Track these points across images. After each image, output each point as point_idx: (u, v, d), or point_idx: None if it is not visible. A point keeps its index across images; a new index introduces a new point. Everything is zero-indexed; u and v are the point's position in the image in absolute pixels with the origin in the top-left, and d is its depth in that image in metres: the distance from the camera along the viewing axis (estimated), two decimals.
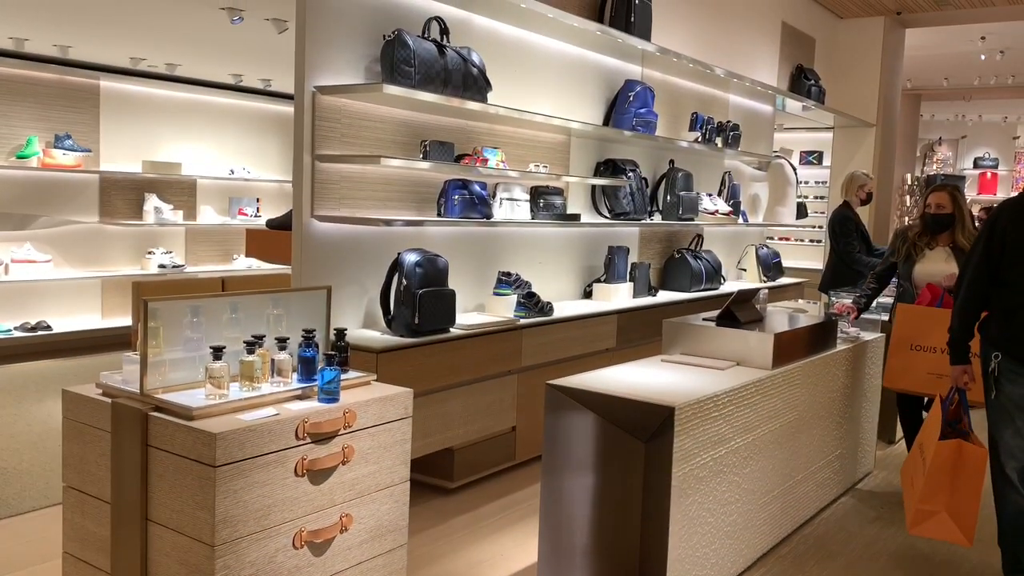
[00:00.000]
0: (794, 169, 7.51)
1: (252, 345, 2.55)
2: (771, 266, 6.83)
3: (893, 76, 8.98)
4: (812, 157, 9.70)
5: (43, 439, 4.66)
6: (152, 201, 7.56)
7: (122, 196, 7.51)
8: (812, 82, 7.72)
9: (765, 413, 3.29)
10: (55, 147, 6.94)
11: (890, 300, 4.92)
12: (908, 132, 12.85)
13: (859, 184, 6.18)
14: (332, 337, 2.86)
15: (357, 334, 3.62)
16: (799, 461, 3.65)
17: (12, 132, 6.88)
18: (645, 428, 2.79)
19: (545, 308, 4.39)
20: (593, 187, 5.26)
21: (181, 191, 7.96)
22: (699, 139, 5.93)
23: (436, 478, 3.97)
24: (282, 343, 2.64)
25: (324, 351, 2.76)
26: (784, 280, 6.96)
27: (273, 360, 2.61)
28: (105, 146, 7.42)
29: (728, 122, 6.30)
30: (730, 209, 6.26)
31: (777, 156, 7.50)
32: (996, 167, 15.86)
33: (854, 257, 6.01)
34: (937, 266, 4.09)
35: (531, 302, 4.34)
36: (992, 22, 8.51)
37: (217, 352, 2.46)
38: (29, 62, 6.89)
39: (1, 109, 6.81)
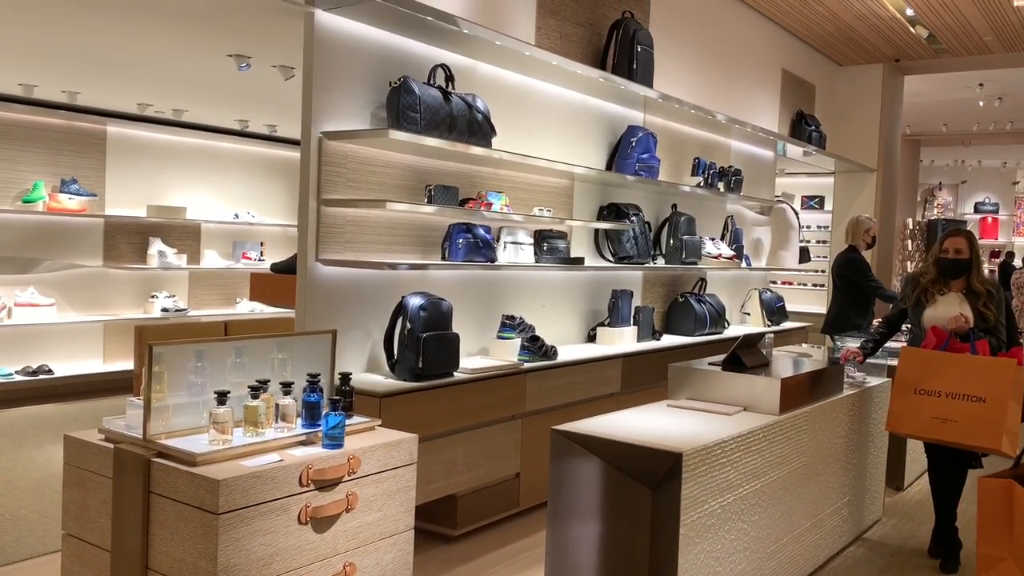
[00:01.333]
0: (796, 213, 7.54)
1: (256, 390, 2.54)
2: (775, 310, 6.82)
3: (893, 122, 9.07)
4: (814, 202, 9.76)
5: (42, 485, 4.61)
6: (156, 245, 7.59)
7: (126, 240, 7.55)
8: (813, 128, 7.80)
9: (773, 459, 3.26)
10: (61, 191, 6.99)
11: (898, 345, 4.89)
12: (908, 177, 12.93)
13: (865, 228, 6.21)
14: (337, 381, 2.85)
15: (361, 378, 3.60)
16: (807, 508, 3.60)
17: (19, 176, 6.94)
18: (652, 474, 2.76)
19: (549, 352, 4.37)
20: (596, 231, 5.27)
21: (185, 235, 7.99)
22: (701, 184, 5.97)
23: (439, 525, 3.92)
24: (286, 388, 2.63)
25: (329, 396, 2.75)
26: (788, 324, 6.94)
27: (277, 405, 2.60)
28: (111, 190, 7.47)
29: (730, 167, 6.35)
30: (733, 253, 6.27)
31: (779, 201, 7.54)
32: (997, 212, 15.94)
33: (883, 293, 6.05)
34: (950, 310, 4.01)
35: (535, 346, 4.33)
36: (989, 69, 8.62)
37: (221, 397, 2.45)
38: (38, 108, 6.97)
39: (9, 154, 6.87)
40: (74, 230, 7.21)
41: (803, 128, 7.73)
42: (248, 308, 8.16)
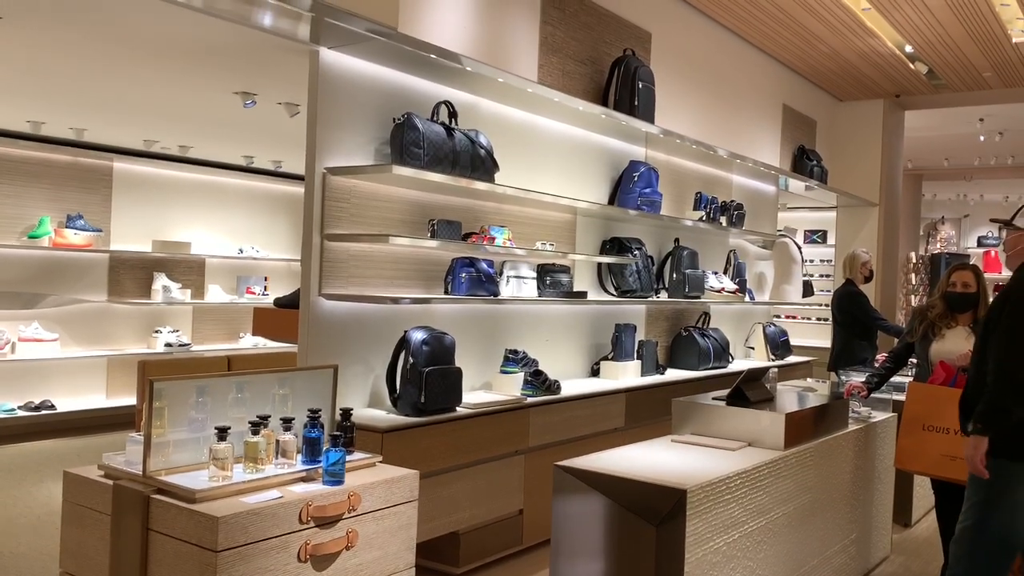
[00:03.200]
0: (799, 247, 7.55)
1: (257, 426, 2.53)
2: (779, 344, 6.80)
3: (894, 157, 9.11)
4: (816, 236, 9.76)
5: (42, 522, 4.57)
6: (160, 280, 7.61)
7: (131, 275, 7.57)
8: (814, 162, 7.83)
9: (778, 495, 3.22)
10: (67, 227, 7.03)
11: (903, 380, 4.86)
12: (911, 211, 12.95)
13: (861, 262, 6.22)
14: (338, 417, 2.84)
15: (362, 413, 3.59)
16: (813, 546, 3.55)
17: (25, 212, 6.98)
18: (656, 511, 2.73)
19: (552, 386, 4.35)
20: (599, 265, 5.28)
21: (189, 270, 8.02)
22: (704, 218, 5.98)
23: (441, 563, 3.87)
24: (287, 423, 2.62)
25: (329, 431, 2.74)
26: (792, 358, 6.92)
27: (278, 441, 2.59)
28: (116, 226, 7.51)
29: (732, 201, 6.37)
30: (736, 287, 6.27)
31: (781, 235, 7.55)
32: (999, 246, 15.93)
33: (885, 325, 6.03)
34: (957, 345, 3.99)
35: (538, 380, 4.31)
36: (989, 104, 8.67)
37: (221, 433, 2.43)
38: (45, 144, 7.03)
39: (16, 190, 6.92)
40: (79, 265, 7.24)
41: (805, 163, 7.76)
42: (251, 343, 8.16)
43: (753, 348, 6.81)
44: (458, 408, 3.77)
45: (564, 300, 4.65)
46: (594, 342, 5.26)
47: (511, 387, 4.25)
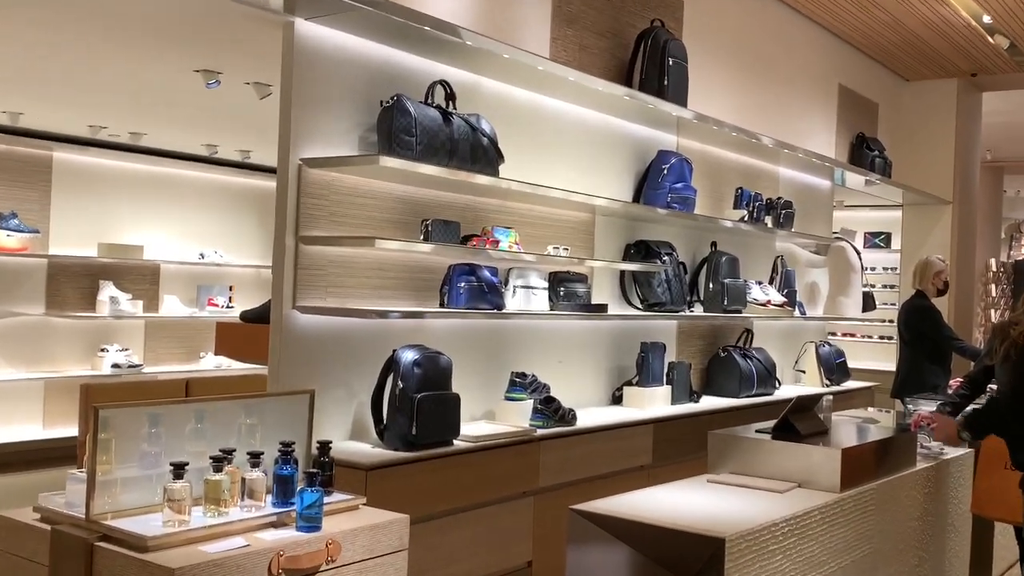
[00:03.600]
0: (858, 253, 7.55)
1: (220, 461, 2.53)
2: (834, 367, 6.79)
3: (970, 146, 9.11)
4: (879, 239, 9.77)
5: None
6: (107, 290, 7.63)
7: (73, 284, 7.60)
8: (876, 153, 7.84)
9: (833, 546, 3.21)
10: None
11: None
12: (990, 210, 12.93)
13: (935, 271, 6.22)
14: (314, 451, 2.84)
15: (344, 447, 3.59)
16: None
17: None
18: (689, 564, 2.72)
19: (567, 416, 4.35)
20: (622, 273, 5.28)
21: (142, 278, 8.04)
22: (745, 218, 5.99)
23: None
24: (255, 459, 2.63)
25: (304, 468, 2.73)
26: (850, 384, 6.90)
27: (244, 479, 2.59)
28: (56, 226, 7.54)
29: (779, 199, 6.38)
30: (784, 299, 6.27)
31: (838, 238, 7.55)
32: None
33: (960, 346, 6.01)
34: None
35: (550, 409, 4.31)
36: None
37: (178, 470, 2.44)
38: None
39: None
40: (12, 272, 7.27)
41: (864, 153, 7.77)
42: (214, 364, 8.18)
43: (804, 371, 6.80)
44: (456, 441, 3.76)
45: (581, 315, 4.65)
46: (616, 364, 5.26)
47: (518, 417, 4.25)
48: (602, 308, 4.84)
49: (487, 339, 4.46)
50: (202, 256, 8.43)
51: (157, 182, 8.27)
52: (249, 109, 6.24)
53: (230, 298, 8.54)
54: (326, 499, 2.66)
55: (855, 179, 7.65)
